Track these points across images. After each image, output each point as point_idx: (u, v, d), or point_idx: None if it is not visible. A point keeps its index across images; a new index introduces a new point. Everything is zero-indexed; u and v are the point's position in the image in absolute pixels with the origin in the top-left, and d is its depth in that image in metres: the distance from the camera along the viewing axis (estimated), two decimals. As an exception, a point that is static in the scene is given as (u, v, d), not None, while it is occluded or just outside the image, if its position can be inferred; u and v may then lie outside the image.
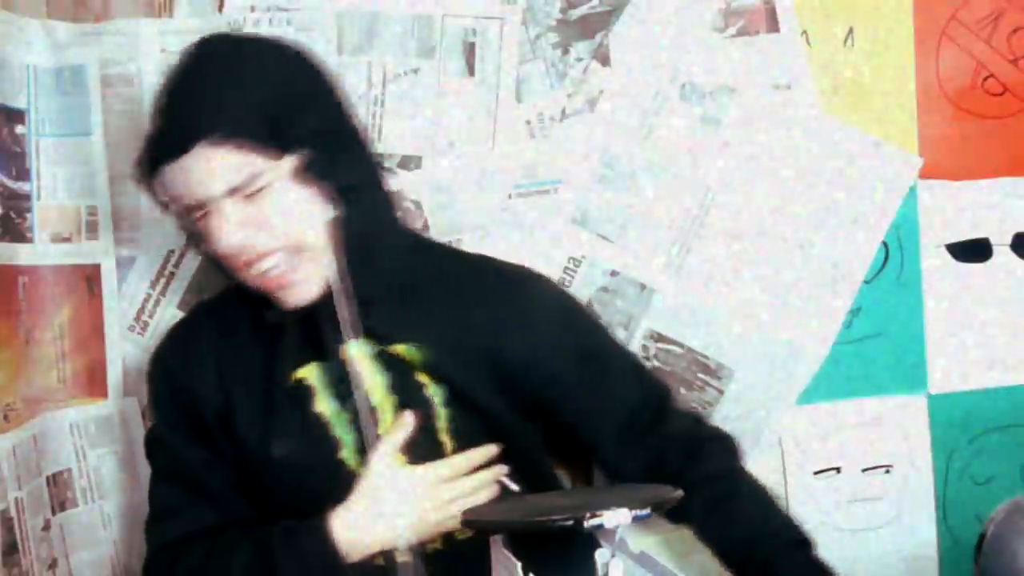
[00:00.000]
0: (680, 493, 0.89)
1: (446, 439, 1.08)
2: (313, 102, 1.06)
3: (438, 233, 1.39)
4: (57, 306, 1.35)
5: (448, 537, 1.07)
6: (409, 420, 1.05)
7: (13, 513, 1.25)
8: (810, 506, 1.45)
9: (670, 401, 1.22)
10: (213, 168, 0.99)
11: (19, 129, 1.33)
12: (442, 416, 1.08)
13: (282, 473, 1.07)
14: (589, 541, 0.91)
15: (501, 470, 1.10)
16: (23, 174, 1.33)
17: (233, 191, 1.00)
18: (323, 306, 1.05)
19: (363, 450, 1.05)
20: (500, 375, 1.10)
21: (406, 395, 1.07)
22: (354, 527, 1.02)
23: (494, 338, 1.10)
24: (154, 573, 1.11)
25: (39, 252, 1.34)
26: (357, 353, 1.07)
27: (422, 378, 1.08)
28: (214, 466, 1.11)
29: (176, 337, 1.19)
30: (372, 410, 1.06)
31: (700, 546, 1.41)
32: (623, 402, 1.17)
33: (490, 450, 1.09)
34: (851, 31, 1.39)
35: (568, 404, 1.16)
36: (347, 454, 1.07)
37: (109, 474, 1.39)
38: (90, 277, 1.37)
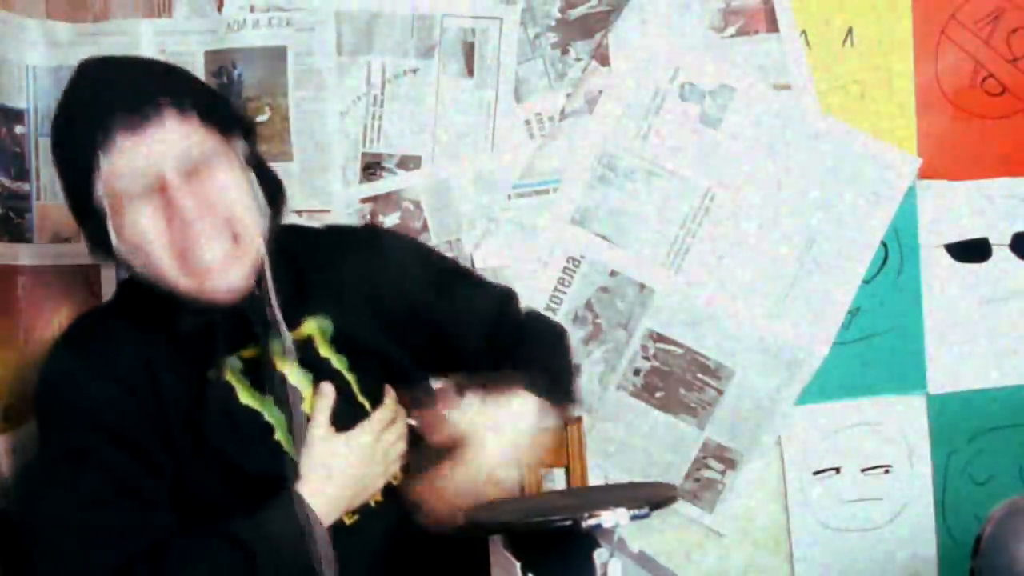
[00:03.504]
0: (678, 491, 0.89)
1: (363, 400, 1.11)
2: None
3: (438, 233, 1.39)
4: (57, 306, 1.35)
5: (387, 489, 1.10)
6: (328, 389, 1.08)
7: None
8: (810, 506, 1.46)
9: (516, 299, 1.25)
10: (175, 140, 0.97)
11: (19, 129, 1.33)
12: (352, 380, 1.11)
13: (225, 464, 1.06)
14: (588, 541, 0.91)
15: (403, 412, 1.14)
16: (23, 174, 1.34)
17: (186, 171, 0.98)
18: (249, 303, 1.05)
19: (293, 429, 1.07)
20: (383, 318, 1.14)
21: (317, 371, 1.10)
22: (314, 495, 1.03)
23: (371, 287, 1.15)
24: None
25: (39, 252, 1.34)
26: (275, 345, 1.08)
27: (324, 352, 1.11)
28: (158, 474, 1.05)
29: (83, 345, 1.08)
30: (294, 390, 1.08)
31: (699, 546, 1.41)
32: (482, 308, 1.21)
33: (392, 395, 1.13)
34: (850, 31, 1.39)
35: (439, 319, 1.18)
36: (280, 436, 1.07)
37: (109, 474, 1.38)
38: (90, 277, 1.37)
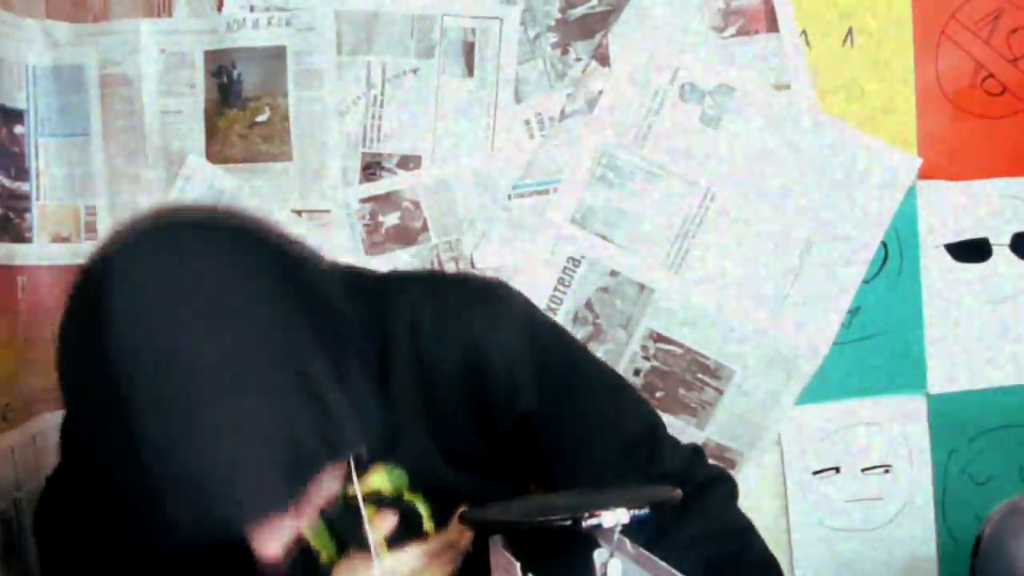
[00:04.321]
0: (679, 493, 0.89)
1: (431, 529, 1.00)
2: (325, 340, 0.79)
3: (438, 233, 1.39)
4: (57, 306, 1.35)
5: None
6: (389, 520, 0.97)
7: (13, 513, 1.25)
8: (810, 506, 1.45)
9: (662, 430, 1.08)
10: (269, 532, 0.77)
11: (18, 129, 1.33)
12: (424, 513, 1.00)
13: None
14: (589, 541, 0.90)
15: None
16: (22, 174, 1.34)
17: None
18: None
19: (343, 551, 0.96)
20: (478, 416, 0.98)
21: (384, 504, 0.98)
22: None
23: (468, 376, 0.96)
24: None
25: (38, 252, 1.34)
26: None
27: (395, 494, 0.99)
28: None
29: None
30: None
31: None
32: (613, 434, 1.03)
33: (459, 527, 0.98)
34: (850, 31, 1.39)
35: (550, 434, 1.01)
36: (325, 557, 0.98)
37: (108, 474, 1.38)
38: (90, 277, 1.37)
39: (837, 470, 1.46)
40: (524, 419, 0.98)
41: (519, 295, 1.05)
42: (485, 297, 1.02)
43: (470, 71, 1.38)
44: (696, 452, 1.11)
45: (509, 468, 1.03)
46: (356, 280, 0.99)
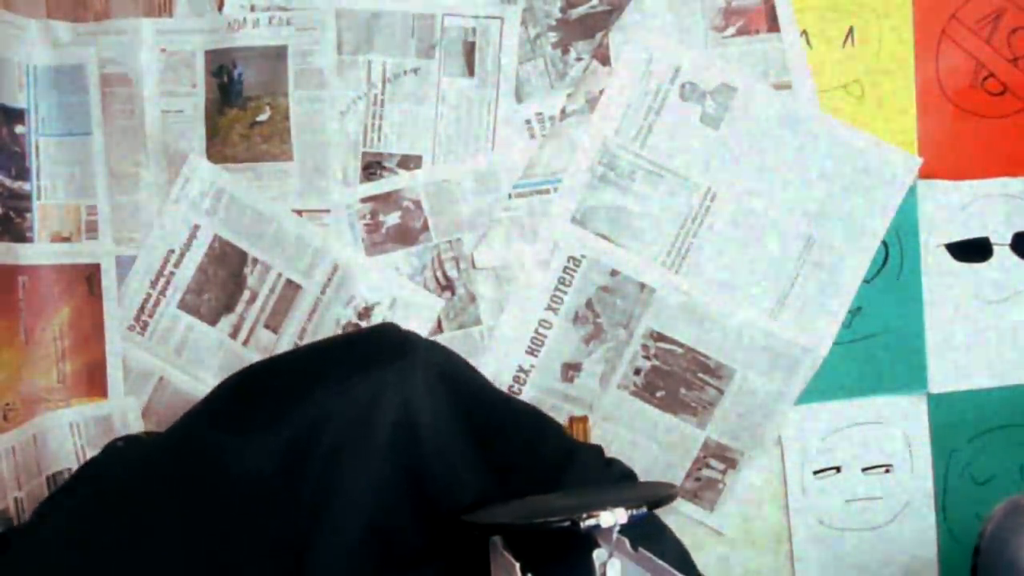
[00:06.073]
0: (677, 490, 0.89)
1: None
2: None
3: (438, 233, 1.39)
4: (57, 306, 1.35)
5: None
6: None
7: (13, 513, 1.25)
8: (810, 506, 1.46)
9: (570, 439, 1.14)
10: None
11: (19, 129, 1.33)
12: None
13: None
14: (588, 541, 0.91)
15: None
16: (23, 174, 1.34)
17: None
18: None
19: None
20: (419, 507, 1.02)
21: None
22: None
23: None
24: None
25: (39, 252, 1.34)
26: None
27: None
28: None
29: None
30: None
31: (699, 546, 1.41)
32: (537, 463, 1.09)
33: None
34: (851, 31, 1.39)
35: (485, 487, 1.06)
36: None
37: (109, 474, 1.38)
38: (90, 277, 1.37)
39: (837, 470, 1.46)
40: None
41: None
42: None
43: (470, 71, 1.38)
44: (600, 452, 1.16)
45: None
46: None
